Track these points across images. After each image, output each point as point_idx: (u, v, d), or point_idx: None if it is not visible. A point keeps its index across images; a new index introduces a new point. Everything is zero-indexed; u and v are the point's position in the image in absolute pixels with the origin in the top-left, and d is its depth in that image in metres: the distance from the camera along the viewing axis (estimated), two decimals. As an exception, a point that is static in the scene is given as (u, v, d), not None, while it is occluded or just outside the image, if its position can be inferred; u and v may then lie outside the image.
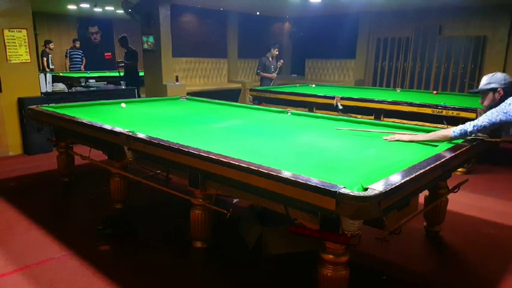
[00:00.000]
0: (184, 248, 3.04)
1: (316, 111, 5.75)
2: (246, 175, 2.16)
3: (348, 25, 10.18)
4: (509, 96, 2.76)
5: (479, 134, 2.87)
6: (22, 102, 5.59)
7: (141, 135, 2.91)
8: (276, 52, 7.87)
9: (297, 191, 1.92)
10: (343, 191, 1.77)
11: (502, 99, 2.79)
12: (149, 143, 2.79)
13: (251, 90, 6.99)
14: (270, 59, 7.88)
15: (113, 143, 3.18)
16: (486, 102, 2.92)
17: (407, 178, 1.97)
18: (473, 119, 4.59)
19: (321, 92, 6.41)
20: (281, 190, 2.00)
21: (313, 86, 8.01)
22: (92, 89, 6.91)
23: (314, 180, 1.89)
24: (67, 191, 4.32)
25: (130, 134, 2.96)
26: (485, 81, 2.91)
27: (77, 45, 11.02)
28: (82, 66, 11.11)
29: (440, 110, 4.82)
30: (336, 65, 11.19)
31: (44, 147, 5.74)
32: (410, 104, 5.10)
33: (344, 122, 3.71)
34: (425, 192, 3.10)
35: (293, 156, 2.57)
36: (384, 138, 3.02)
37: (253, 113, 4.37)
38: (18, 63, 5.61)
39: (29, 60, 5.72)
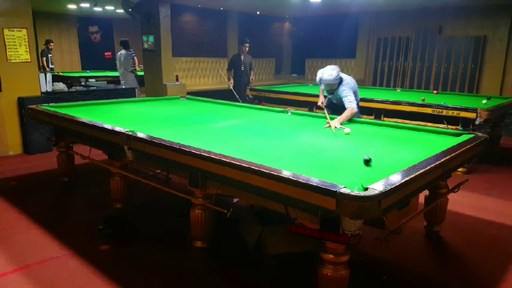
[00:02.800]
0: (185, 247, 3.05)
1: (317, 111, 5.75)
2: (247, 175, 2.16)
3: (348, 25, 10.18)
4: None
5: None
6: (22, 102, 5.60)
7: (141, 134, 2.91)
8: (245, 48, 7.72)
9: (298, 190, 1.92)
10: (343, 190, 1.77)
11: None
12: (150, 142, 2.79)
13: (251, 89, 6.99)
14: (242, 56, 7.78)
15: (113, 142, 3.18)
16: (334, 87, 4.03)
17: (407, 178, 1.97)
18: (473, 119, 4.64)
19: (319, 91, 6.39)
20: (281, 190, 2.01)
21: (311, 85, 8.03)
22: (91, 88, 6.91)
23: (314, 180, 1.89)
24: (67, 190, 4.32)
25: (130, 133, 2.96)
26: (336, 75, 3.94)
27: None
28: (136, 66, 10.91)
29: (440, 110, 4.82)
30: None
31: (44, 146, 5.75)
32: (411, 104, 5.10)
33: (345, 121, 3.71)
34: (425, 192, 3.10)
35: (293, 156, 2.57)
36: (325, 127, 3.47)
37: (253, 112, 4.37)
38: (18, 62, 5.61)
39: (29, 60, 5.72)
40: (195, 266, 2.88)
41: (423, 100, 5.24)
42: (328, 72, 3.89)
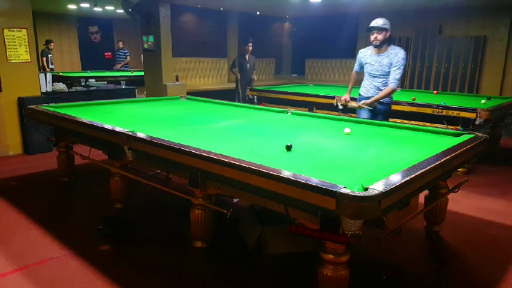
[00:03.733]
0: (185, 247, 3.05)
1: (317, 111, 5.75)
2: (246, 175, 2.16)
3: (348, 25, 10.18)
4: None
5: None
6: (22, 102, 5.60)
7: (141, 135, 2.91)
8: (248, 48, 7.85)
9: (297, 190, 1.92)
10: (343, 190, 1.77)
11: (387, 39, 3.94)
12: (150, 142, 2.79)
13: (251, 89, 6.99)
14: (247, 56, 7.89)
15: (113, 142, 3.18)
16: (381, 37, 3.92)
17: (407, 178, 1.97)
18: (473, 119, 4.63)
19: (319, 91, 6.41)
20: (281, 190, 2.00)
21: (311, 85, 8.05)
22: (91, 88, 6.92)
23: (314, 180, 1.89)
24: (67, 190, 4.32)
25: (130, 133, 2.96)
26: (383, 22, 3.91)
27: (120, 45, 11.10)
28: (119, 65, 11.01)
29: (440, 110, 4.82)
30: (336, 65, 11.20)
31: (44, 146, 5.75)
32: (411, 104, 5.10)
33: (345, 121, 3.71)
34: (425, 192, 3.10)
35: (293, 156, 2.57)
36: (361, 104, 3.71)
37: (253, 112, 4.37)
38: (18, 62, 5.61)
39: (29, 60, 5.72)
40: (195, 266, 2.88)
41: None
42: (375, 20, 3.83)
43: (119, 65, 10.96)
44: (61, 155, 4.25)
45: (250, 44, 7.87)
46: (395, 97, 5.64)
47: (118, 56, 11.13)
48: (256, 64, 10.82)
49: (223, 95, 8.75)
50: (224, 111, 4.47)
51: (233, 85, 10.17)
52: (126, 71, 10.54)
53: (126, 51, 11.08)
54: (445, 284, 2.70)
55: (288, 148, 2.55)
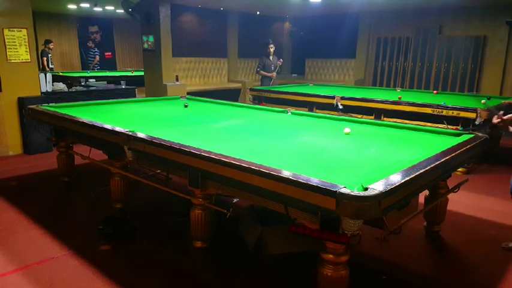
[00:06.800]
0: (185, 247, 3.05)
1: (317, 111, 5.76)
2: (246, 175, 2.16)
3: (348, 25, 10.17)
4: None
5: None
6: (22, 102, 5.60)
7: (141, 134, 2.91)
8: (270, 49, 7.95)
9: (298, 190, 1.92)
10: (343, 190, 1.77)
11: None
12: (150, 142, 2.79)
13: (251, 89, 6.99)
14: (271, 57, 8.00)
15: (113, 142, 3.18)
16: None
17: (407, 178, 1.97)
18: (473, 119, 4.63)
19: (319, 91, 6.41)
20: (281, 190, 2.01)
21: (311, 85, 8.06)
22: (91, 88, 6.92)
23: (314, 180, 1.89)
24: (67, 190, 4.32)
25: (130, 133, 2.96)
26: None
27: (90, 44, 11.67)
28: (91, 65, 11.53)
29: (440, 110, 4.82)
30: (336, 65, 11.19)
31: (44, 146, 5.74)
32: (411, 104, 5.10)
33: (345, 121, 3.71)
34: (425, 192, 3.10)
35: (293, 156, 2.57)
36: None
37: (253, 112, 4.37)
38: (18, 62, 5.61)
39: (29, 60, 5.72)
40: (195, 266, 2.88)
41: (400, 98, 5.31)
42: None
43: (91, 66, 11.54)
44: (61, 155, 4.25)
45: (271, 46, 7.93)
46: (397, 97, 5.66)
47: (89, 55, 11.76)
48: (256, 63, 10.86)
49: (224, 95, 8.75)
50: (224, 111, 4.47)
51: (233, 85, 10.20)
52: (99, 70, 10.99)
53: (96, 50, 11.69)
54: (445, 284, 2.70)
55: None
